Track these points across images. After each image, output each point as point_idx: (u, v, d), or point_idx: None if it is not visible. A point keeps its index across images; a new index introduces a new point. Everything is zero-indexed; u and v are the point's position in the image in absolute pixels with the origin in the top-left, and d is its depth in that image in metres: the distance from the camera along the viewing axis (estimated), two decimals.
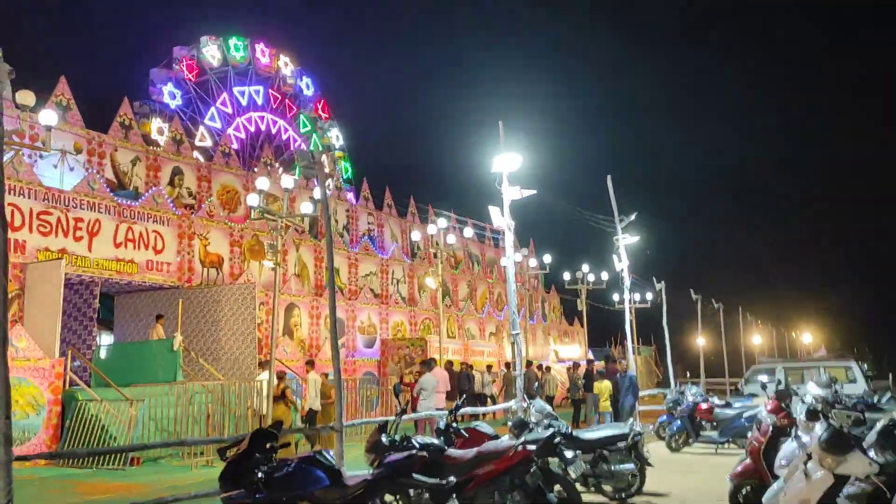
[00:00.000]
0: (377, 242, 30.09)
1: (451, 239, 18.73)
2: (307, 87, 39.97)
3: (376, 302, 26.75)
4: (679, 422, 14.41)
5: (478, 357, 25.78)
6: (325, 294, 24.21)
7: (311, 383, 14.53)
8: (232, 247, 22.13)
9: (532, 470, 6.22)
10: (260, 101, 37.04)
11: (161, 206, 19.76)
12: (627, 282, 15.99)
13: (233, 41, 36.86)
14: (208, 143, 34.12)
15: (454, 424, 7.68)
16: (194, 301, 19.75)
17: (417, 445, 6.52)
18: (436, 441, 6.72)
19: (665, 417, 16.43)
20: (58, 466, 13.56)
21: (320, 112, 39.98)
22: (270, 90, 37.69)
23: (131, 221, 18.81)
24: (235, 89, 36.73)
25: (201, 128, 35.42)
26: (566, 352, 38.52)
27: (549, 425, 8.90)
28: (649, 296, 31.14)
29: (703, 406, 14.57)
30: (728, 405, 15.10)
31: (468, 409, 12.79)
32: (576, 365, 22.32)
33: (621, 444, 8.88)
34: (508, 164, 10.85)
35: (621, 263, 15.87)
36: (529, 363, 22.22)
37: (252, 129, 37.24)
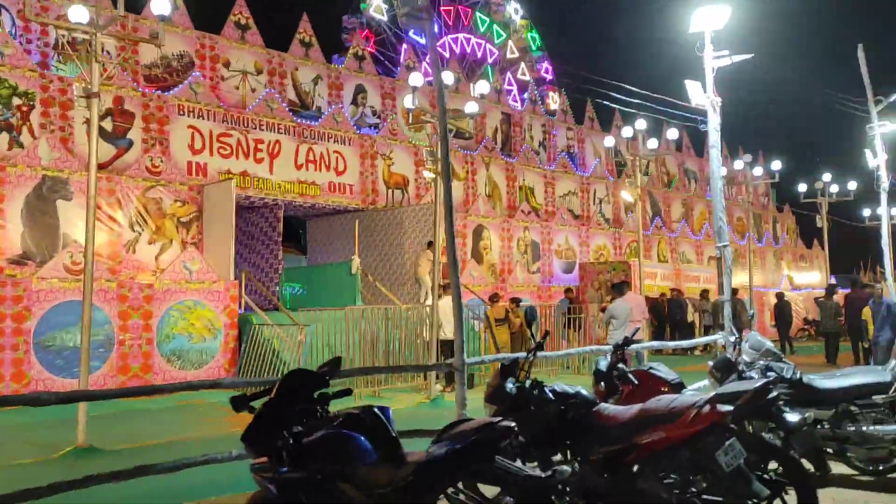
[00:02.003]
0: (577, 159, 27.59)
1: (653, 144, 15.92)
2: None
3: (575, 224, 24.50)
4: None
5: (692, 283, 22.78)
6: (518, 216, 22.42)
7: (443, 310, 12.82)
8: (417, 167, 20.93)
9: (728, 443, 3.98)
10: (434, 29, 34.49)
11: (342, 126, 18.94)
12: (885, 183, 12.25)
13: None
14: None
15: (621, 366, 5.52)
16: (376, 223, 18.91)
17: (551, 396, 4.52)
18: (583, 391, 4.66)
19: None
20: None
21: None
22: (440, 8, 34.91)
23: (312, 142, 18.17)
24: (411, 34, 34.42)
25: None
26: (802, 278, 33.71)
27: (768, 368, 6.41)
28: None
29: None
30: None
31: (654, 344, 10.23)
32: (831, 290, 18.43)
33: (878, 398, 6.18)
34: (711, 20, 8.10)
35: (876, 159, 12.17)
36: (735, 291, 18.86)
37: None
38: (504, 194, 23.45)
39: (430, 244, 17.75)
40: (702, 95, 8.34)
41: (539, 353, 4.91)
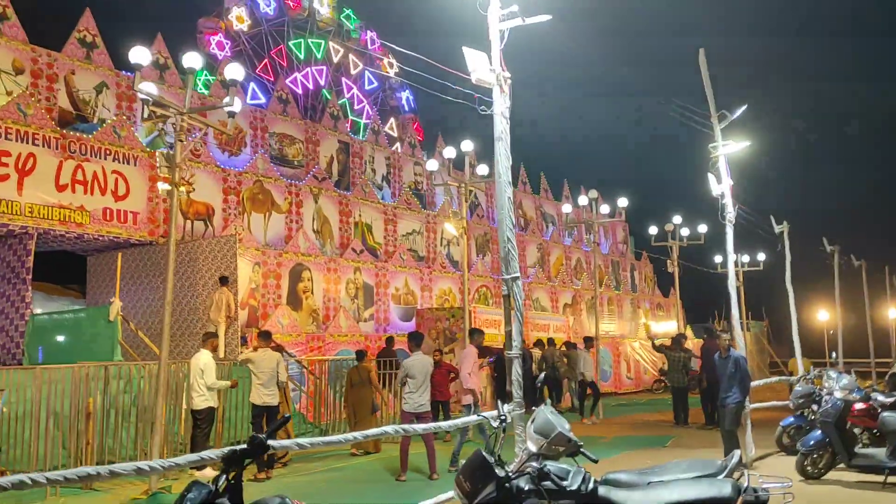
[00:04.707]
0: (426, 197, 25.35)
1: (483, 170, 13.76)
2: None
3: (418, 266, 22.06)
4: (819, 432, 8.99)
5: (541, 332, 20.70)
6: (348, 255, 19.72)
7: (194, 369, 10.02)
8: (226, 195, 17.94)
9: None
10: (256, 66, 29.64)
11: (126, 141, 15.70)
12: (731, 213, 10.33)
13: None
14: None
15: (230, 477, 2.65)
16: (165, 260, 15.64)
17: None
18: None
19: (792, 420, 11.01)
20: None
21: None
22: (257, 72, 30.17)
23: (81, 158, 14.85)
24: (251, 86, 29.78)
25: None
26: (659, 327, 32.78)
27: (543, 475, 3.90)
28: (761, 256, 25.04)
29: (859, 406, 9.13)
30: None
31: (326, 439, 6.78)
32: (679, 339, 16.37)
33: None
34: None
35: (721, 185, 10.32)
36: (552, 342, 16.84)
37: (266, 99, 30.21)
38: (336, 231, 20.74)
39: (224, 280, 14.80)
40: (486, 69, 6.06)
41: None
